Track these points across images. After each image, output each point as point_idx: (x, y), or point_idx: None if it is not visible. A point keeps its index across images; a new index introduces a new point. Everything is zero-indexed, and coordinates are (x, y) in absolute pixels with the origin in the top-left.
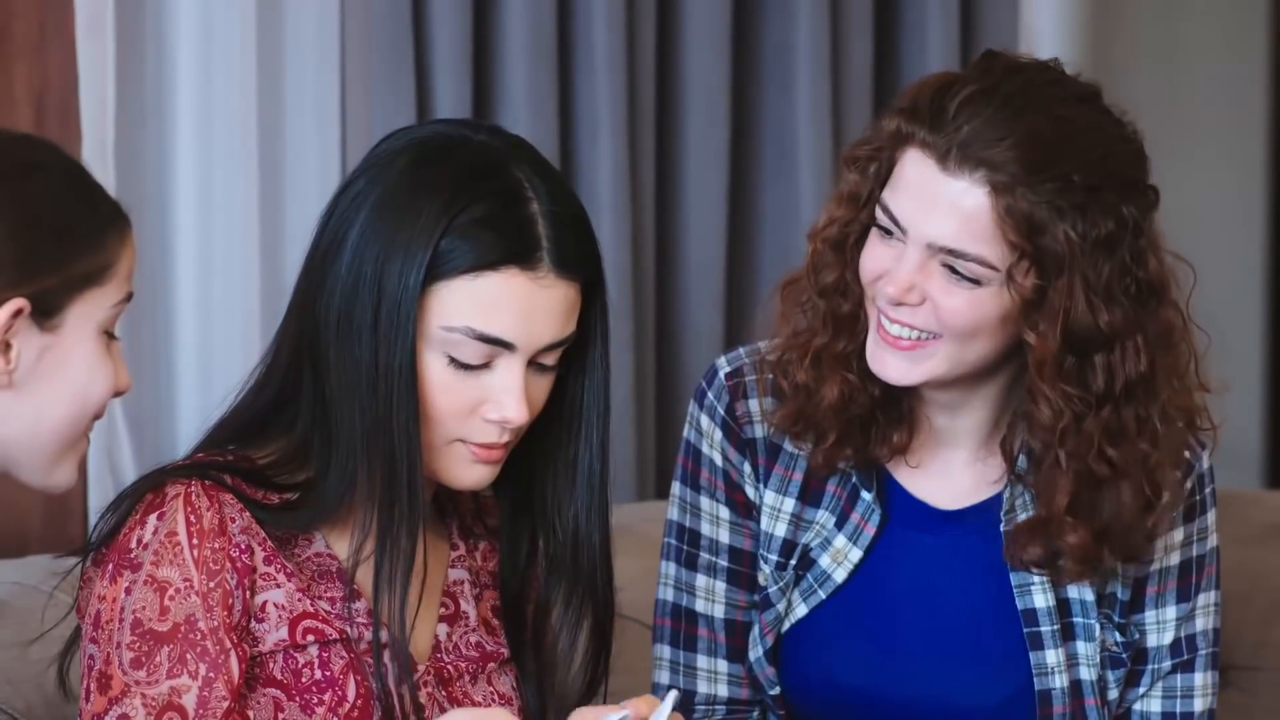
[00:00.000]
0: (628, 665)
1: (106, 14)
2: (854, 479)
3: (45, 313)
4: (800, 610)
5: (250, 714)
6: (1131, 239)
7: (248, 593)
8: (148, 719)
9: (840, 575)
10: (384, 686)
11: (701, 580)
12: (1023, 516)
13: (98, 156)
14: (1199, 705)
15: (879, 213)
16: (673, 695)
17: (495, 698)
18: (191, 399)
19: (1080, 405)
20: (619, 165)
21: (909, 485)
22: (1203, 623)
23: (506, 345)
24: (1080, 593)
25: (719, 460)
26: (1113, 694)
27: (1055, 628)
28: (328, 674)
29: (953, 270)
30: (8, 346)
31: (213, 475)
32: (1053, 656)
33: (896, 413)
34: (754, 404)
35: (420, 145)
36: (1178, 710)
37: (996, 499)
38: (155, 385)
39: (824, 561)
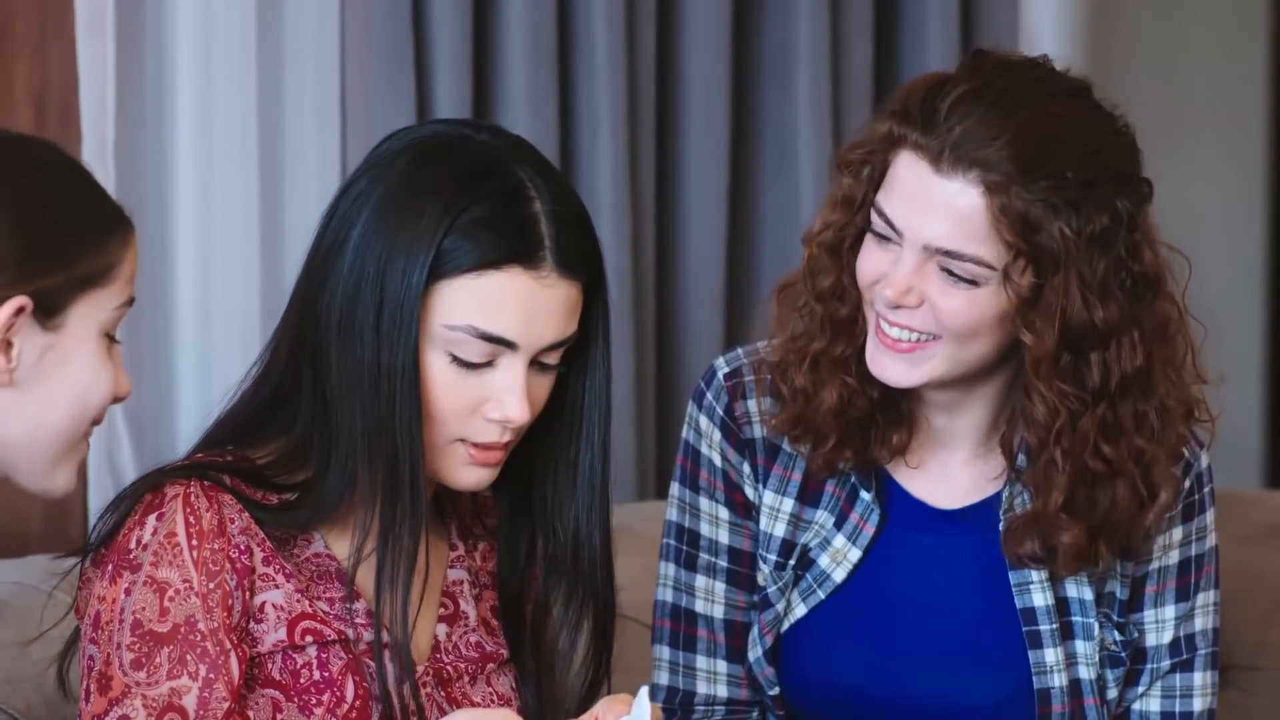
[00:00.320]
0: (628, 665)
1: (106, 14)
2: (853, 479)
3: (47, 311)
4: (799, 610)
5: (250, 715)
6: (1126, 233)
7: (247, 593)
8: (148, 719)
9: (839, 575)
10: (384, 687)
11: (701, 581)
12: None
13: (98, 156)
14: (1198, 705)
15: (874, 217)
16: (645, 689)
17: (494, 698)
18: (191, 399)
19: (1076, 403)
20: (619, 165)
21: (908, 485)
22: (1202, 622)
23: (509, 344)
24: (1079, 591)
25: (718, 461)
26: (1112, 693)
27: (1054, 627)
28: (326, 675)
29: (950, 273)
30: (9, 345)
31: (212, 476)
32: (1051, 655)
33: (895, 414)
34: (753, 404)
35: (422, 145)
36: (1177, 710)
37: (995, 498)
38: (155, 385)
39: (823, 561)
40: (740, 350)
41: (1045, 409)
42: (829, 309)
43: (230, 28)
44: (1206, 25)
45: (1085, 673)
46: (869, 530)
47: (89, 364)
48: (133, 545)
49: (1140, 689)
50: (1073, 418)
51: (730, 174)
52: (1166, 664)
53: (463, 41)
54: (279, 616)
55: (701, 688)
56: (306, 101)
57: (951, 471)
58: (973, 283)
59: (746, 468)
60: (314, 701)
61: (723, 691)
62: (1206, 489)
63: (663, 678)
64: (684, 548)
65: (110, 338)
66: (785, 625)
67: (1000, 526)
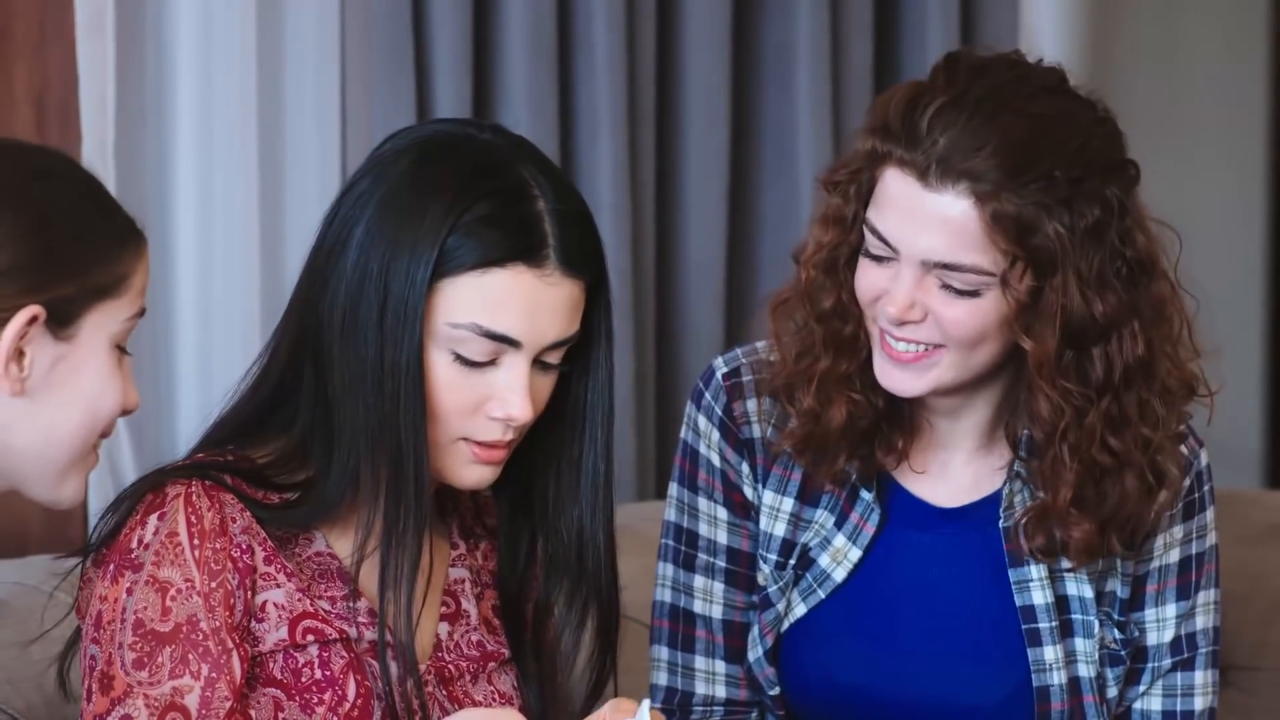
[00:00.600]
0: (628, 665)
1: (106, 14)
2: (853, 478)
3: (60, 321)
4: (799, 610)
5: (252, 714)
6: (1118, 221)
7: (249, 592)
8: (150, 719)
9: (840, 575)
10: (387, 686)
11: (699, 581)
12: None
13: (98, 156)
14: (1199, 704)
15: (868, 236)
16: (646, 703)
17: (496, 697)
18: (191, 399)
19: (1081, 400)
20: (619, 165)
21: (908, 484)
22: (1203, 620)
23: (512, 342)
24: (1079, 589)
25: (716, 461)
26: (1111, 692)
27: (1053, 624)
28: (327, 673)
29: (950, 287)
30: (21, 354)
31: (213, 475)
32: (1050, 653)
33: (899, 420)
34: (751, 404)
35: (424, 144)
36: (1178, 709)
37: (995, 496)
38: (155, 385)
39: (823, 561)
40: (739, 350)
41: (1050, 407)
42: (830, 328)
43: (230, 28)
44: (1206, 25)
45: (1084, 670)
46: (869, 530)
47: (100, 375)
48: (134, 545)
49: (1141, 688)
50: (1078, 414)
51: (730, 174)
52: (1167, 663)
53: (463, 41)
54: (280, 615)
55: (700, 688)
56: (306, 101)
57: (953, 471)
58: (974, 293)
59: (745, 468)
60: (315, 700)
61: (721, 692)
62: (1206, 487)
63: (661, 678)
64: (682, 548)
65: (121, 349)
66: (785, 625)
67: (1001, 524)
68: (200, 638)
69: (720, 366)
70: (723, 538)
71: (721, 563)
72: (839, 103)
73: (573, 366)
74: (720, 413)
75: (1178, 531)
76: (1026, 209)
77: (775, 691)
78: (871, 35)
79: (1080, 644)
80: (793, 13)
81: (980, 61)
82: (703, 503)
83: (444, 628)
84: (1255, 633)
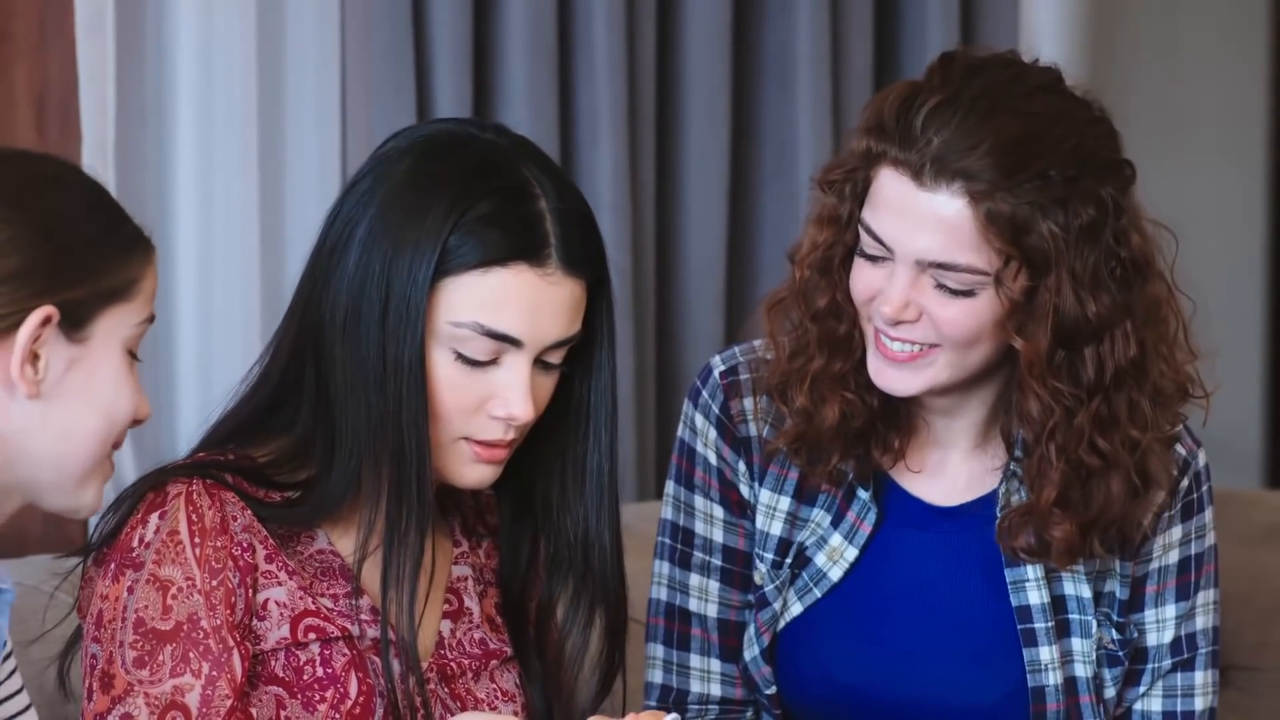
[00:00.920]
0: (628, 665)
1: (106, 14)
2: (850, 477)
3: (74, 323)
4: (796, 609)
5: (253, 712)
6: (1113, 220)
7: (250, 591)
8: (151, 718)
9: (836, 574)
10: (390, 684)
11: (695, 579)
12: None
13: (98, 157)
14: (1200, 704)
15: (863, 236)
16: (674, 717)
17: (498, 694)
18: (191, 399)
19: (1071, 400)
20: (619, 165)
21: (905, 483)
22: (1202, 621)
23: (514, 341)
24: (1077, 589)
25: (713, 459)
26: (1109, 692)
27: (1049, 624)
28: (329, 671)
29: (945, 287)
30: (36, 356)
31: (214, 474)
32: (1046, 653)
33: (894, 419)
34: (749, 402)
35: (426, 143)
36: (1178, 709)
37: (992, 495)
38: (155, 385)
39: (820, 560)
40: (736, 349)
41: (1040, 407)
42: (825, 328)
43: (230, 28)
44: (1207, 24)
45: (1081, 670)
46: (866, 529)
47: (114, 377)
48: (135, 543)
49: (1141, 689)
50: (1067, 414)
51: (730, 174)
52: (1167, 663)
53: (463, 41)
54: (282, 613)
55: (695, 686)
56: (306, 101)
57: (949, 469)
58: (969, 293)
59: (742, 466)
60: (317, 698)
61: (716, 690)
62: (1205, 487)
63: (656, 676)
64: (678, 546)
65: (132, 355)
66: (782, 624)
67: (997, 524)
68: (201, 636)
69: (718, 365)
70: (719, 536)
71: (717, 561)
72: (839, 103)
73: (575, 368)
74: (717, 411)
75: (1176, 532)
76: (1021, 208)
77: (771, 691)
78: (871, 35)
79: (1077, 644)
80: (793, 13)
81: (975, 61)
82: (699, 501)
83: (446, 625)
84: (1255, 633)
